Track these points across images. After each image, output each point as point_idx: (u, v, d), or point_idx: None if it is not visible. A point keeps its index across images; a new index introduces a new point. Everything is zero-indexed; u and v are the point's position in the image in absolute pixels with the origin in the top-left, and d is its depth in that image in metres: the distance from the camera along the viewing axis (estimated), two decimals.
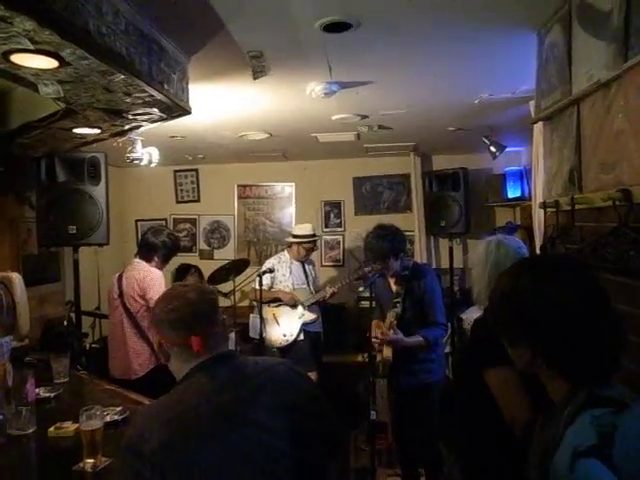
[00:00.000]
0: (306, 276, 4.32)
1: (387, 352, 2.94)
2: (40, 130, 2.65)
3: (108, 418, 2.05)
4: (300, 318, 4.16)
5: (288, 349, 4.13)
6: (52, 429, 2.03)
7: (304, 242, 4.22)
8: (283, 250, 4.42)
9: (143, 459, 1.18)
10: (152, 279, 3.13)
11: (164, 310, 1.42)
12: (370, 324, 3.20)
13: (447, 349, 4.20)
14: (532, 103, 2.54)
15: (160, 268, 3.30)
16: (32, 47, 1.52)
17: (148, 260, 3.26)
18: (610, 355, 0.99)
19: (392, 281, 3.17)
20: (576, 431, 0.91)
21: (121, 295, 3.20)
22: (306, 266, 4.37)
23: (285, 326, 4.16)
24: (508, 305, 1.06)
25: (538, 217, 2.42)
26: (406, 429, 3.19)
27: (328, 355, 4.49)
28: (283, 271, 4.25)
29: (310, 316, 4.20)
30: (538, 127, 2.45)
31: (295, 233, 4.32)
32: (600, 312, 0.99)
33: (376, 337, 2.99)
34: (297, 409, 1.40)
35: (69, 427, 2.03)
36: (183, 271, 4.45)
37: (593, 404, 0.93)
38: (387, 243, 3.00)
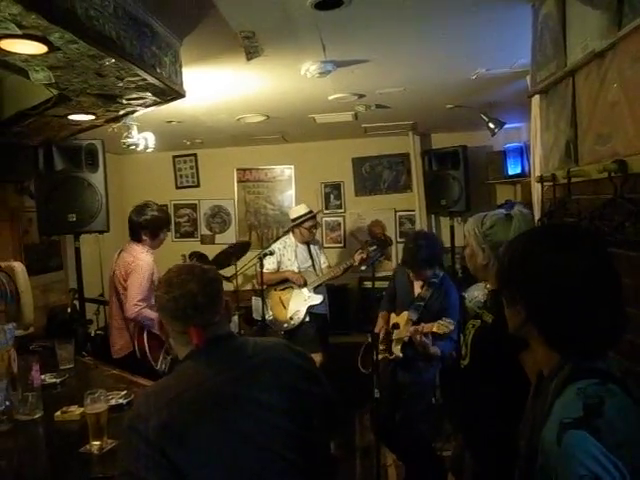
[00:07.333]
0: (312, 258, 4.31)
1: (397, 351, 2.89)
2: (34, 118, 2.64)
3: (113, 401, 2.09)
4: (306, 301, 4.18)
5: (294, 331, 4.15)
6: (58, 413, 2.07)
7: (302, 222, 4.20)
8: (287, 233, 4.37)
9: (144, 438, 1.21)
10: (137, 266, 3.05)
11: (164, 297, 1.40)
12: (376, 312, 3.19)
13: None
14: (529, 77, 2.51)
15: (152, 245, 3.21)
16: (19, 32, 1.51)
17: (138, 240, 3.17)
18: (605, 334, 0.99)
19: (418, 283, 3.11)
20: (563, 404, 0.92)
21: (113, 274, 3.19)
22: (312, 248, 4.36)
23: (292, 309, 4.17)
24: (517, 265, 1.06)
25: (536, 191, 2.41)
26: (391, 420, 3.09)
27: (333, 336, 4.51)
28: (289, 255, 4.25)
29: (316, 298, 4.20)
30: (535, 101, 2.42)
31: (292, 217, 4.30)
32: (602, 293, 0.98)
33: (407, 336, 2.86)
34: (296, 388, 1.42)
35: (75, 411, 2.06)
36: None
37: (578, 376, 0.94)
38: (425, 254, 2.95)
